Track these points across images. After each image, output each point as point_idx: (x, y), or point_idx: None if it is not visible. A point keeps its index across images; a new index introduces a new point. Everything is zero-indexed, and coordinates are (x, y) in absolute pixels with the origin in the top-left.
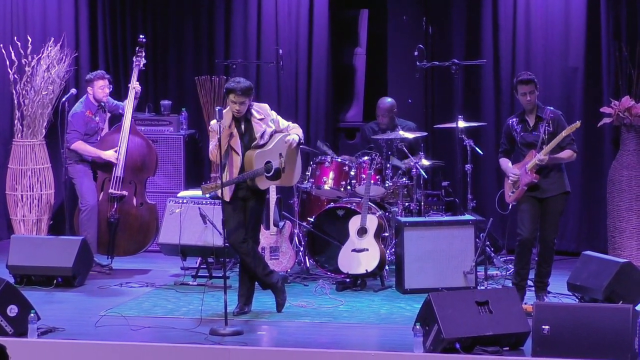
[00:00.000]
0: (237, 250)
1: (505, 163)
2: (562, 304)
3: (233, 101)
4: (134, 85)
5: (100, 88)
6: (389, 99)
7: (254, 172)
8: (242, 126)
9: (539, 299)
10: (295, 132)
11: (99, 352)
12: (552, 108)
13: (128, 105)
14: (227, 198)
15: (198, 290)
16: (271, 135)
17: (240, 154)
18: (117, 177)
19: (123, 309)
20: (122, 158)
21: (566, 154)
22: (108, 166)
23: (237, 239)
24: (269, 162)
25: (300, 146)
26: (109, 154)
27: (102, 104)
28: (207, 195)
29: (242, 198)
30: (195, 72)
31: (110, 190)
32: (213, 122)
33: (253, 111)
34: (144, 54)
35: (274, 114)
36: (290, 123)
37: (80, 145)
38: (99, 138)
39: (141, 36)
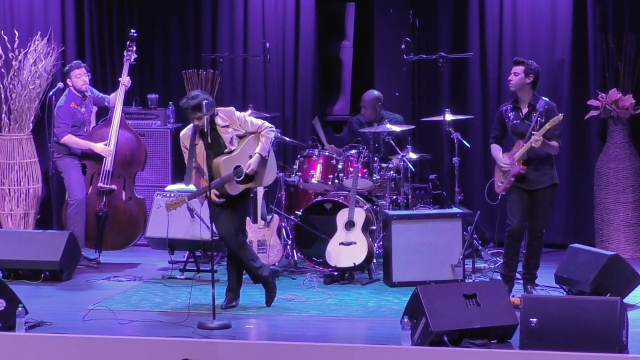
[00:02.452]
0: (228, 243)
1: (497, 150)
2: (550, 297)
3: (193, 117)
4: (124, 80)
5: (78, 77)
6: (375, 92)
7: (221, 180)
8: (209, 136)
9: (527, 291)
10: (260, 147)
11: (87, 346)
12: (546, 99)
13: (118, 100)
14: (220, 202)
15: (186, 284)
16: (241, 138)
17: (203, 165)
18: (106, 171)
19: (111, 302)
20: (112, 152)
21: (553, 144)
22: (97, 160)
23: (229, 233)
24: (238, 166)
25: (287, 139)
26: (100, 147)
27: (85, 93)
28: (170, 210)
29: (230, 200)
30: (182, 66)
31: (99, 184)
32: (182, 132)
33: (217, 119)
34: (134, 49)
35: (242, 116)
36: (263, 123)
37: (70, 139)
38: (86, 130)
39: (132, 30)
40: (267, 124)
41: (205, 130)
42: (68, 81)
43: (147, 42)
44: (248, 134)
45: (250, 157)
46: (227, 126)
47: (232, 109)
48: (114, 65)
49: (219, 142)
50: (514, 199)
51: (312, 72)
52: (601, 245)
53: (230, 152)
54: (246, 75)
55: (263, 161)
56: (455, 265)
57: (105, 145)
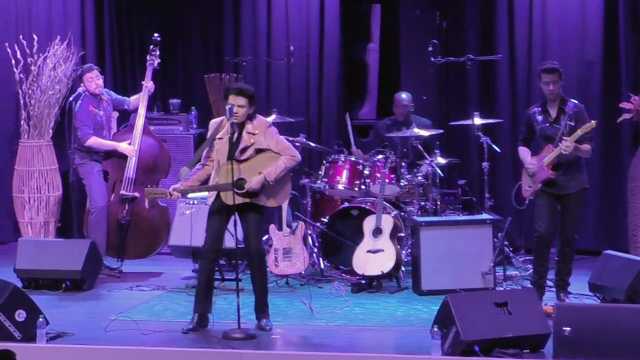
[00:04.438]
0: (203, 258)
1: (524, 152)
2: (583, 305)
3: (231, 103)
4: (148, 85)
5: (90, 80)
6: (406, 94)
7: (215, 187)
8: (235, 135)
9: (560, 299)
10: (270, 169)
11: (109, 357)
12: (575, 102)
13: (141, 104)
14: (209, 202)
15: None
16: (259, 151)
17: (222, 161)
18: (128, 178)
19: (133, 313)
20: (135, 158)
21: (585, 147)
22: (120, 167)
23: (211, 248)
24: (242, 179)
25: (312, 145)
26: (125, 146)
27: (102, 96)
28: (149, 198)
29: (228, 206)
30: (204, 70)
31: (122, 192)
32: (212, 123)
33: (249, 125)
34: (158, 53)
35: (273, 133)
36: (290, 148)
37: (95, 141)
38: (105, 134)
39: (156, 35)
40: (294, 151)
41: (237, 122)
42: (82, 85)
43: (168, 46)
44: (270, 151)
45: (260, 174)
46: (254, 134)
47: (269, 121)
48: (134, 70)
49: (237, 147)
50: (542, 204)
51: (337, 75)
52: (635, 252)
53: (241, 160)
54: (269, 79)
55: (268, 183)
56: (486, 273)
57: (129, 144)
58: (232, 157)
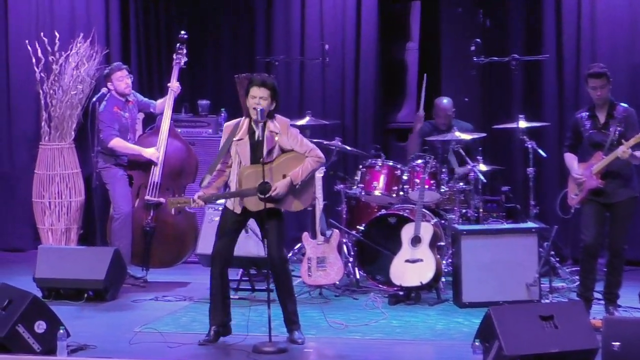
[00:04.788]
0: (215, 265)
1: (571, 160)
2: (634, 319)
3: (253, 95)
4: (174, 85)
5: (120, 80)
6: (447, 99)
7: (238, 192)
8: (257, 134)
9: (609, 312)
10: (296, 171)
11: None
12: (625, 105)
13: (167, 106)
14: (237, 210)
15: (240, 305)
16: (283, 153)
17: (245, 163)
18: (154, 183)
19: (159, 324)
20: (160, 162)
21: (638, 154)
22: (145, 171)
23: (223, 256)
24: (266, 182)
25: (348, 148)
26: (150, 152)
27: (128, 97)
28: (172, 210)
29: (251, 214)
30: (234, 70)
31: (147, 197)
32: (227, 127)
33: (270, 123)
34: (185, 51)
35: (295, 133)
36: (315, 148)
37: (118, 143)
38: (130, 137)
39: (182, 32)
40: (318, 151)
41: (260, 120)
42: (109, 84)
43: (197, 44)
44: (293, 152)
45: (284, 177)
46: (277, 134)
47: (289, 120)
48: (161, 69)
49: (262, 147)
50: (588, 213)
51: (374, 75)
52: None
53: (265, 163)
54: (303, 80)
55: (293, 186)
56: (530, 285)
57: (156, 149)
58: (258, 159)
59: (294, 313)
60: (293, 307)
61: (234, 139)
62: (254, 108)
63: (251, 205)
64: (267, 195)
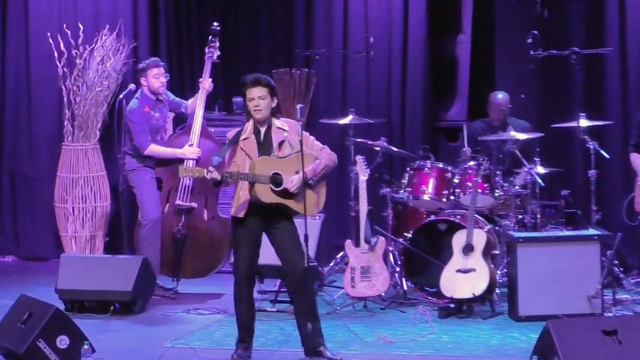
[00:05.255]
0: (239, 287)
1: (637, 161)
2: None
3: (250, 97)
4: (206, 82)
5: (155, 77)
6: (502, 94)
7: (252, 176)
8: (262, 134)
9: None
10: (312, 167)
11: None
12: None
13: (199, 104)
14: (239, 213)
15: (278, 318)
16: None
17: (254, 159)
18: (185, 186)
19: (191, 339)
20: (192, 164)
21: None
22: (175, 174)
23: (245, 274)
24: (277, 173)
25: (394, 149)
26: (189, 150)
27: (160, 97)
28: (183, 176)
29: (260, 220)
30: (271, 65)
31: (177, 202)
32: (230, 133)
33: (276, 120)
34: (217, 45)
35: (306, 134)
36: (325, 147)
37: (155, 149)
38: (160, 138)
39: (215, 24)
40: (332, 152)
41: (269, 124)
42: (142, 80)
43: (231, 37)
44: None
45: (297, 173)
46: (284, 130)
47: (297, 122)
48: (192, 65)
49: (270, 144)
50: None
51: (422, 70)
52: None
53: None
54: (346, 75)
55: (307, 185)
56: (592, 297)
57: (190, 145)
58: (267, 154)
59: (318, 333)
60: (318, 325)
61: (240, 139)
62: (256, 109)
63: (265, 195)
64: (282, 187)
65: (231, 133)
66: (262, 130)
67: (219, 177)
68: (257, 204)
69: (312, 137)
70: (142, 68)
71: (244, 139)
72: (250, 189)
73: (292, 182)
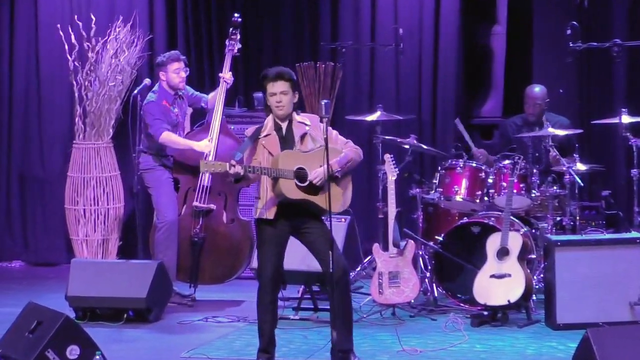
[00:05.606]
0: (263, 292)
1: None
2: None
3: (271, 92)
4: (226, 76)
5: (175, 72)
6: (539, 87)
7: (276, 170)
8: (283, 130)
9: None
10: (337, 159)
11: None
12: None
13: (218, 99)
14: (270, 215)
15: (301, 326)
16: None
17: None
18: (203, 186)
19: (209, 349)
20: (214, 148)
21: None
22: (193, 174)
23: (270, 281)
24: (301, 168)
25: (424, 147)
26: (203, 145)
27: (180, 92)
28: (205, 171)
29: (287, 221)
30: (295, 58)
31: (195, 203)
32: (248, 130)
33: (296, 115)
34: (238, 37)
35: (328, 129)
36: (348, 141)
37: (169, 137)
38: (178, 135)
39: (236, 15)
40: (356, 146)
41: (290, 119)
42: (161, 75)
43: (253, 29)
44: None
45: (321, 167)
46: (306, 125)
47: (317, 116)
48: (212, 58)
49: (292, 140)
50: None
51: (455, 64)
52: None
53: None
54: (373, 69)
55: (332, 180)
56: (635, 304)
57: (210, 140)
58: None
59: (348, 339)
60: (350, 330)
61: (260, 136)
62: (279, 105)
63: (290, 192)
64: (307, 184)
65: (250, 130)
66: (284, 126)
67: (242, 172)
68: (284, 203)
69: (335, 131)
70: (161, 62)
71: (265, 136)
72: (274, 186)
73: (316, 173)
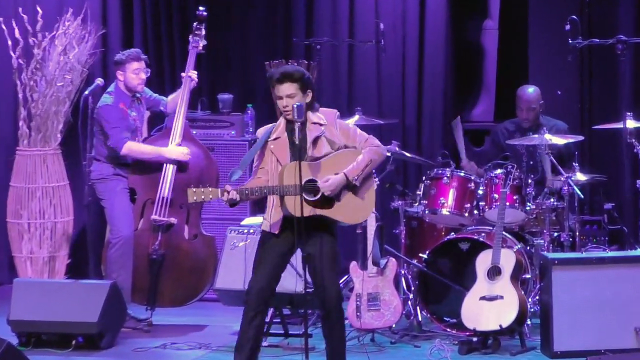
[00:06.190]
0: (248, 309)
1: None
2: None
3: (277, 96)
4: (190, 75)
5: (135, 72)
6: (533, 88)
7: (277, 188)
8: (296, 132)
9: None
10: (352, 166)
11: None
12: None
13: (181, 101)
14: (274, 229)
15: (270, 354)
16: (333, 147)
17: (284, 162)
18: (163, 198)
19: None
20: (171, 172)
21: None
22: (151, 184)
23: (260, 293)
24: (312, 180)
25: (407, 155)
26: (177, 150)
27: (138, 94)
28: (194, 201)
29: (293, 235)
30: (266, 56)
31: (153, 217)
32: (260, 130)
33: (311, 115)
34: (203, 33)
35: (345, 124)
36: (371, 137)
37: (133, 147)
38: (136, 141)
39: (200, 8)
40: (376, 141)
41: (297, 119)
42: (119, 75)
43: (219, 23)
44: (345, 147)
45: (337, 174)
46: (321, 125)
47: (336, 111)
48: (173, 55)
49: (305, 143)
50: None
51: (442, 62)
52: None
53: (314, 158)
54: (352, 69)
55: (351, 187)
56: None
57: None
58: (301, 156)
59: None
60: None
61: (269, 138)
62: (286, 110)
63: (297, 209)
64: (318, 197)
65: (261, 130)
66: (297, 127)
67: (237, 198)
68: (292, 218)
69: (353, 127)
70: (120, 60)
71: (275, 139)
72: (281, 202)
73: (326, 182)
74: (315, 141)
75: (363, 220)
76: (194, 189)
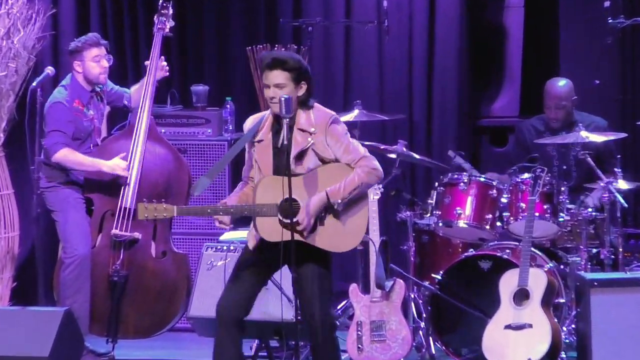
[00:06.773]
0: (223, 331)
1: None
2: None
3: (264, 84)
4: (157, 63)
5: (94, 60)
6: (564, 81)
7: (248, 208)
8: (283, 134)
9: None
10: (337, 187)
11: None
12: None
13: (145, 94)
14: (251, 245)
15: None
16: (323, 163)
17: (266, 173)
18: (125, 209)
19: None
20: (134, 178)
21: None
22: (110, 193)
23: (230, 312)
24: (292, 200)
25: (416, 157)
26: (112, 164)
27: (98, 88)
28: (145, 218)
29: (271, 254)
30: (246, 40)
31: (114, 231)
32: (249, 120)
33: (303, 115)
34: (170, 12)
35: (341, 130)
36: (366, 155)
37: (68, 155)
38: (92, 145)
39: None
40: (372, 160)
41: (285, 114)
42: (76, 65)
43: (192, 6)
44: (335, 161)
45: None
46: (310, 133)
47: (332, 113)
48: (136, 40)
49: (290, 151)
50: None
51: (457, 47)
52: None
53: (292, 174)
54: (349, 55)
55: (332, 210)
56: None
57: (124, 159)
58: (282, 169)
59: None
60: None
61: (256, 138)
62: (272, 101)
63: (267, 233)
64: (294, 220)
65: (249, 121)
66: (284, 128)
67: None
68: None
69: (347, 139)
70: (76, 48)
71: (259, 141)
72: (254, 223)
73: (305, 210)
74: (300, 156)
75: (350, 249)
76: (146, 204)
